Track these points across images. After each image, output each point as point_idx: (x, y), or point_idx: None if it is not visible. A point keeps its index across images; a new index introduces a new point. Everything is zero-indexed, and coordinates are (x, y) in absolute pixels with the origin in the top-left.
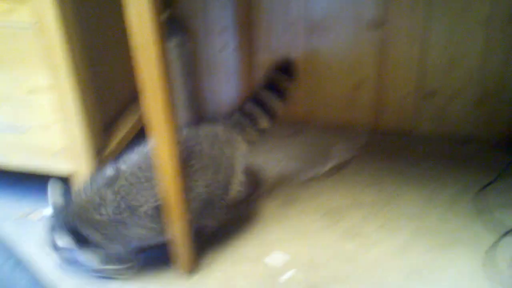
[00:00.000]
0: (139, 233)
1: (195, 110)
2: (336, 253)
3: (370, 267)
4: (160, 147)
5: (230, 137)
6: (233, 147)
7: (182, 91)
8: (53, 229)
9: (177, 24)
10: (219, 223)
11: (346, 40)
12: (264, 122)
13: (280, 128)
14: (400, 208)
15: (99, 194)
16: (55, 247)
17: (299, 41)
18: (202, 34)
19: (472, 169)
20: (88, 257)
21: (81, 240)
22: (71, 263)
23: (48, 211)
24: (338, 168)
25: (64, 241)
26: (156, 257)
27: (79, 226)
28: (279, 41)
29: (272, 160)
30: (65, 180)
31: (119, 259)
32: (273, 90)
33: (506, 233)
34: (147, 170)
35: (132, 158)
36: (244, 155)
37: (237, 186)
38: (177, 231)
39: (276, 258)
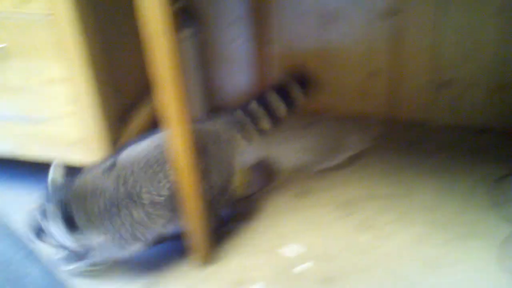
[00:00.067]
0: (135, 224)
1: (208, 101)
2: (351, 245)
3: (385, 259)
4: (174, 138)
5: (230, 135)
6: (233, 146)
7: (195, 81)
8: (44, 207)
9: (189, 14)
10: (215, 223)
11: (359, 30)
12: (265, 124)
13: (294, 119)
14: (415, 200)
15: (97, 182)
16: (41, 229)
17: (312, 31)
18: (215, 25)
19: (488, 160)
20: (73, 244)
21: (72, 225)
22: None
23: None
24: (353, 160)
25: (55, 218)
26: (170, 248)
27: (73, 211)
28: (292, 32)
29: (287, 151)
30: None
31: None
32: (283, 96)
33: None
34: (149, 161)
35: (135, 149)
36: (242, 154)
37: (235, 186)
38: (192, 223)
39: (290, 249)
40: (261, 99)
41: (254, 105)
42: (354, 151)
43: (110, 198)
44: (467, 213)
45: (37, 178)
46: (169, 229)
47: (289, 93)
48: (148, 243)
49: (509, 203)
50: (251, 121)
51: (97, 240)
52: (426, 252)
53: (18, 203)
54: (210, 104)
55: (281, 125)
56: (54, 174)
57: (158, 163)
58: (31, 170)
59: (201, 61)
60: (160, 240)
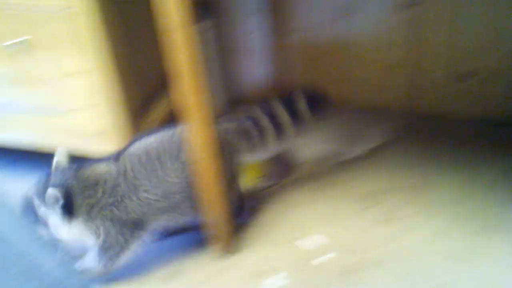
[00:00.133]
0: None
1: (228, 92)
2: (372, 237)
3: (407, 252)
4: (194, 129)
5: (236, 141)
6: (237, 155)
7: (214, 73)
8: (43, 192)
9: (208, 6)
10: None
11: (378, 21)
12: (271, 141)
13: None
14: (437, 193)
15: (99, 173)
16: (35, 215)
17: (330, 23)
18: (234, 16)
19: (510, 153)
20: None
21: (71, 213)
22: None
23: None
24: (374, 151)
25: (54, 204)
26: (190, 240)
27: (74, 199)
28: (310, 23)
29: (307, 143)
30: None
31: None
32: (291, 112)
33: None
34: (151, 157)
35: (142, 143)
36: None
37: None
38: (213, 213)
39: (311, 241)
40: (271, 114)
41: (265, 121)
42: (374, 143)
43: (110, 190)
44: (489, 206)
45: None
46: (162, 225)
47: (297, 112)
48: (150, 237)
49: None
50: (259, 135)
51: (94, 231)
52: (447, 245)
53: None
54: (229, 96)
55: (287, 141)
56: (60, 157)
57: (159, 160)
58: (44, 163)
59: (220, 53)
60: (178, 232)
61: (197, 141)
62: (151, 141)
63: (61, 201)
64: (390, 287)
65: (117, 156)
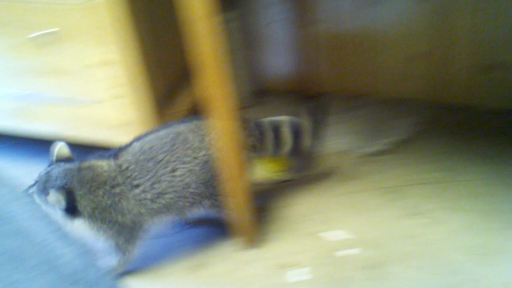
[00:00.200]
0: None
1: (252, 84)
2: (396, 231)
3: (431, 246)
4: (218, 121)
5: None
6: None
7: (239, 64)
8: (43, 186)
9: None
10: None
11: (401, 11)
12: (267, 154)
13: (338, 102)
14: (462, 187)
15: (100, 168)
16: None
17: (353, 12)
18: (257, 6)
19: None
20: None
21: (73, 210)
22: None
23: None
24: (399, 144)
25: (57, 200)
26: (214, 232)
27: (75, 195)
28: (333, 13)
29: (331, 135)
30: None
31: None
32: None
33: None
34: (149, 155)
35: (146, 140)
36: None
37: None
38: (237, 206)
39: (335, 234)
40: (276, 132)
41: (269, 135)
42: (399, 136)
43: (109, 191)
44: None
45: None
46: (159, 225)
47: (281, 138)
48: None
49: None
50: (260, 147)
51: (96, 232)
52: (473, 240)
53: None
54: (253, 87)
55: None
56: (61, 150)
57: (157, 159)
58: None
59: (244, 43)
60: (200, 223)
61: (221, 133)
62: (151, 139)
63: (64, 204)
64: (414, 282)
65: (116, 153)
